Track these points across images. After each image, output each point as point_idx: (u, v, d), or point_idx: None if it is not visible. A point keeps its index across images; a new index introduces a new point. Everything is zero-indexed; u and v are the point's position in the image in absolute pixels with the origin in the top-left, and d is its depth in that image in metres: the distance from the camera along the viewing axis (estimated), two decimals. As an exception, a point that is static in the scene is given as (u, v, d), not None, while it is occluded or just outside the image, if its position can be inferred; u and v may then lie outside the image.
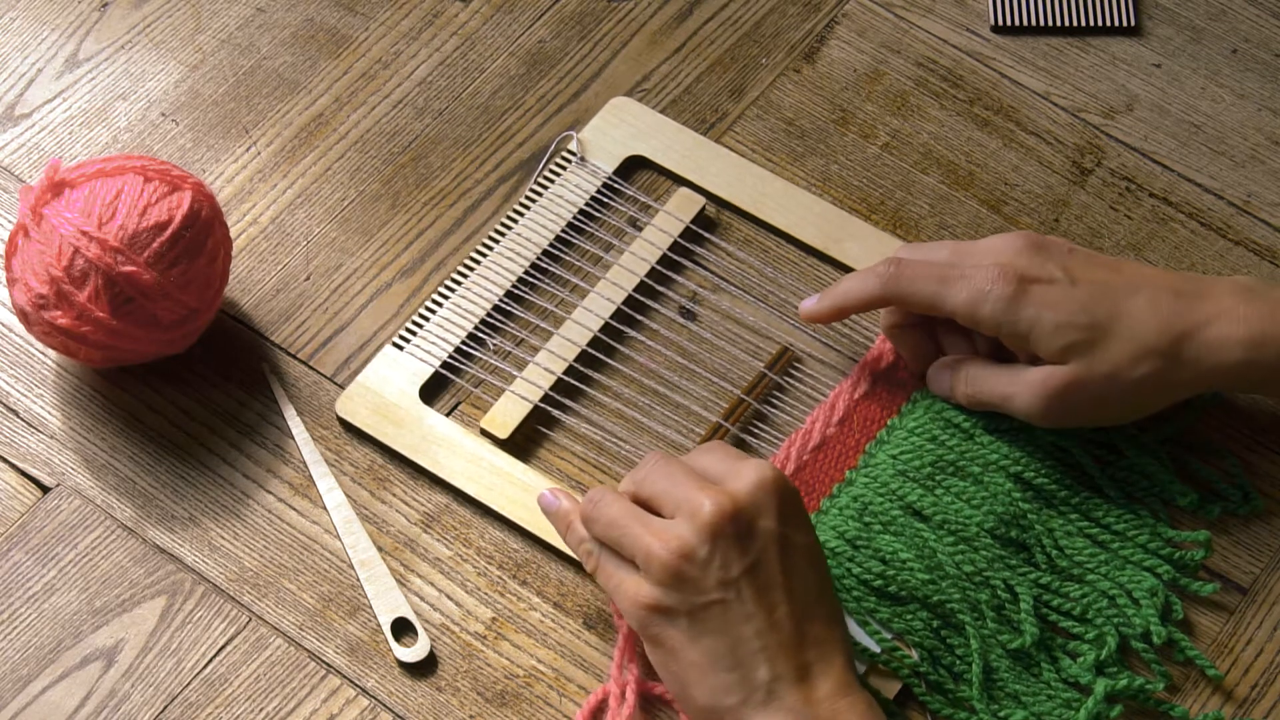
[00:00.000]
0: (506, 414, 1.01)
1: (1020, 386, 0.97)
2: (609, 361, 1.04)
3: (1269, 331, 0.95)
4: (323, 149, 1.11)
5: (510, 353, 1.04)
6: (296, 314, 1.05)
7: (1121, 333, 0.95)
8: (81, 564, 0.97)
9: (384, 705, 0.94)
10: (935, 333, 1.01)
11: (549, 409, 1.02)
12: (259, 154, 1.11)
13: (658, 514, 0.89)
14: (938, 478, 0.99)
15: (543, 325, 1.05)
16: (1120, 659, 0.95)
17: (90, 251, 0.94)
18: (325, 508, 0.99)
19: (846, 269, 1.07)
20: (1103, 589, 0.97)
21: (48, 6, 1.16)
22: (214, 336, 1.03)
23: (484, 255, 1.06)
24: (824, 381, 1.04)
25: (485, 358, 1.04)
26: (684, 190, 1.09)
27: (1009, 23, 1.17)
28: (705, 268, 1.07)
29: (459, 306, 1.05)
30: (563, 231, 1.08)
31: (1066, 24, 1.17)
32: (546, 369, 1.03)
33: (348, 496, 0.99)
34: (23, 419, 1.01)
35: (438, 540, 0.98)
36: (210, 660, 0.95)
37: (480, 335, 1.04)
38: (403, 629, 0.96)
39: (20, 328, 1.03)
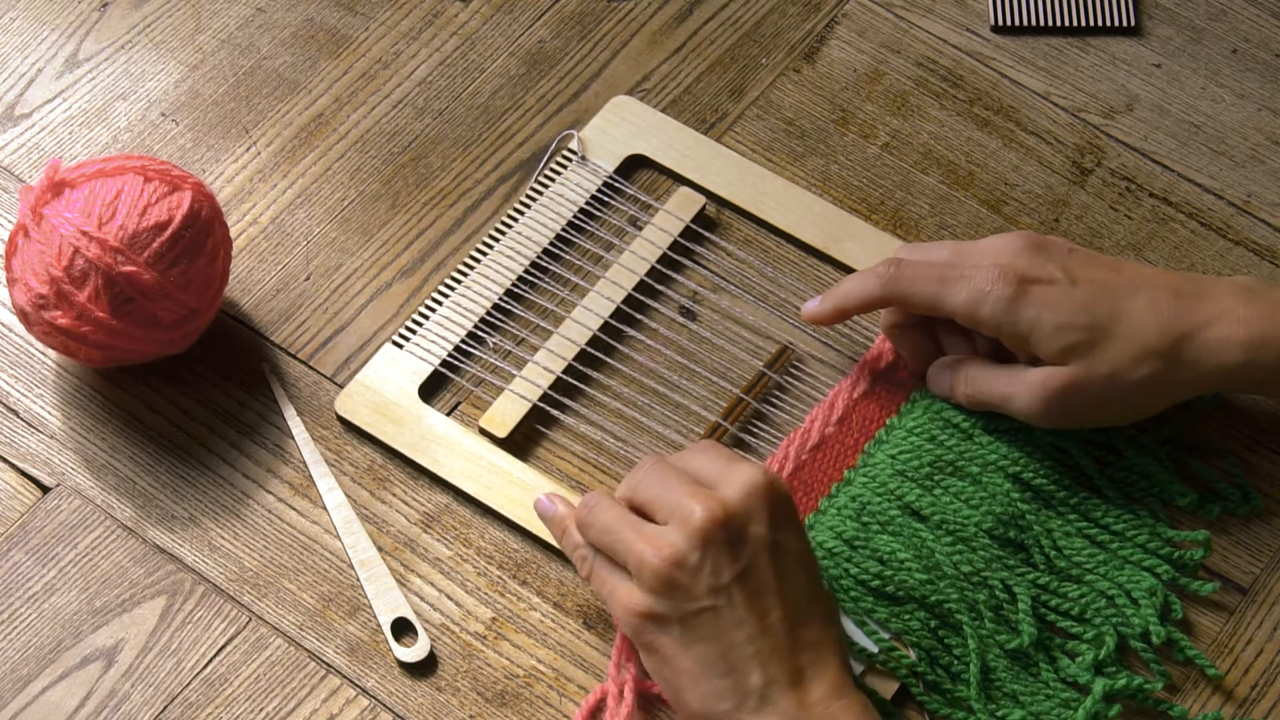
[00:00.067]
0: (506, 413, 1.01)
1: (1020, 387, 0.97)
2: (609, 361, 1.04)
3: (1269, 332, 0.95)
4: (323, 149, 1.11)
5: (510, 352, 1.04)
6: (296, 314, 1.05)
7: (1122, 333, 0.95)
8: (81, 564, 0.97)
9: (384, 705, 0.94)
10: (935, 333, 1.01)
11: (548, 408, 1.02)
12: (259, 154, 1.11)
13: (652, 519, 0.89)
14: (936, 478, 0.99)
15: (542, 324, 1.05)
16: (1119, 659, 0.95)
17: (90, 251, 0.94)
18: (325, 508, 0.99)
19: (846, 269, 1.07)
20: (1101, 589, 0.97)
21: (48, 6, 1.16)
22: (214, 336, 1.03)
23: (484, 254, 1.06)
24: (823, 381, 1.04)
25: (485, 356, 1.04)
26: (684, 190, 1.09)
27: (1009, 23, 1.17)
28: (705, 267, 1.07)
29: (459, 305, 1.05)
30: (563, 230, 1.08)
31: (1066, 24, 1.17)
32: (546, 368, 1.03)
33: (348, 496, 0.99)
34: (23, 419, 1.01)
35: (438, 540, 0.98)
36: (210, 660, 0.95)
37: (480, 334, 1.04)
38: (403, 629, 0.96)
39: (20, 328, 1.03)
